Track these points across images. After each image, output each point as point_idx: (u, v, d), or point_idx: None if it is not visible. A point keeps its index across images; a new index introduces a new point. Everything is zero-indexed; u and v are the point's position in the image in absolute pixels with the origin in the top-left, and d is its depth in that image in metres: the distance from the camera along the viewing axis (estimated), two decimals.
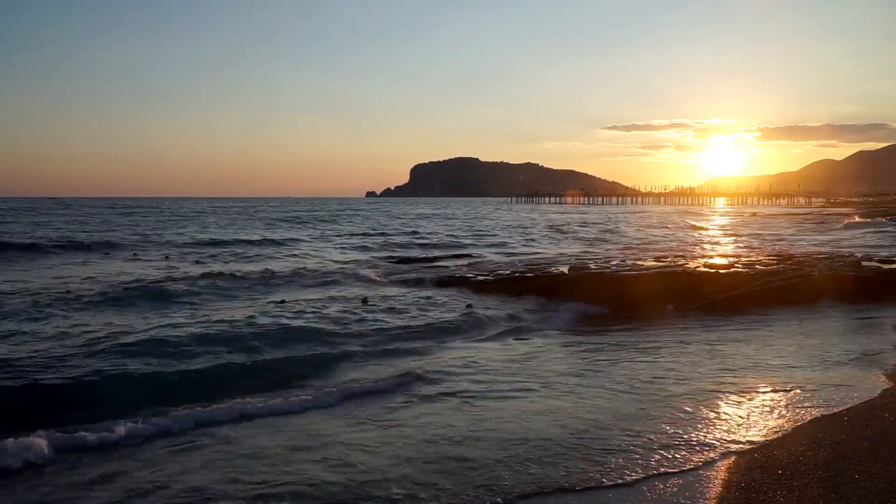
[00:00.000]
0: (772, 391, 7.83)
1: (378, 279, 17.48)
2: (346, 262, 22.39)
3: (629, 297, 13.91)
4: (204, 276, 17.25)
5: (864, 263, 16.60)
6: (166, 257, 24.22)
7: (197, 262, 22.22)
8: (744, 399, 7.53)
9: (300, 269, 19.64)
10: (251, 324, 11.09)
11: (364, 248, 29.45)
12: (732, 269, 15.65)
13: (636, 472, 5.56)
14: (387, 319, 12.07)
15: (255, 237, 34.88)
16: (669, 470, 5.59)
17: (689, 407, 7.24)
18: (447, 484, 5.34)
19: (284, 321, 11.46)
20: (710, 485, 5.26)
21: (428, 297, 14.37)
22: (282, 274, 18.20)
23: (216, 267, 20.28)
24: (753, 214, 77.75)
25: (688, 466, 5.66)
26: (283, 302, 13.60)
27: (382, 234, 39.41)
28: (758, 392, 7.80)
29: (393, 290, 15.65)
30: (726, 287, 14.37)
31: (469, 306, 13.35)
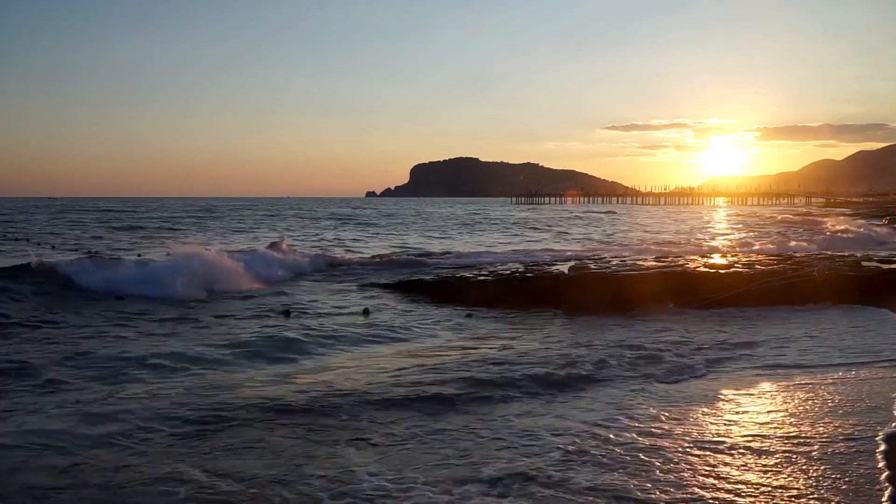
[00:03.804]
0: (772, 391, 7.87)
1: None
2: None
3: (630, 297, 14.02)
4: None
5: (864, 263, 16.67)
6: None
7: None
8: (743, 398, 7.59)
9: None
10: None
11: None
12: (733, 269, 15.70)
13: None
14: None
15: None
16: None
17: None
18: None
19: None
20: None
21: None
22: None
23: None
24: (758, 217, 76.05)
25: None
26: None
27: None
28: (758, 392, 7.84)
29: None
30: (726, 287, 14.45)
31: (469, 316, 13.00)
